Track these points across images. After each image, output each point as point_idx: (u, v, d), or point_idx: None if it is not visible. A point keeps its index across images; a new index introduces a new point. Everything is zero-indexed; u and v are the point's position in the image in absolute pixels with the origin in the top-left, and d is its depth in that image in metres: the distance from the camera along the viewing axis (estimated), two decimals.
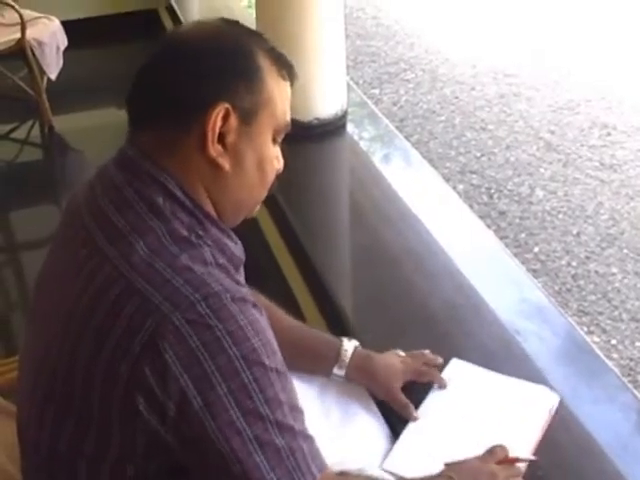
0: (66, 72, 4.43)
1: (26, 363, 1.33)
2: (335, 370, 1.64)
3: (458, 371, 1.74)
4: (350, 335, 1.71)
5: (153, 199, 1.19)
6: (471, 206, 4.01)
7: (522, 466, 1.47)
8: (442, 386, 1.68)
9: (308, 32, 2.81)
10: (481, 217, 3.91)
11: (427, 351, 1.74)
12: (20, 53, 4.18)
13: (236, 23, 1.33)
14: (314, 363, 1.66)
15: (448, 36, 6.04)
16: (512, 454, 1.47)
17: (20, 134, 4.63)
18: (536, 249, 3.72)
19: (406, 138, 4.61)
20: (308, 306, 2.49)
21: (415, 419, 1.60)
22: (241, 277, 1.31)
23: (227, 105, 1.20)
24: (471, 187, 4.26)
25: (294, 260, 2.69)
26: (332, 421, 1.62)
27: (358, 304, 2.36)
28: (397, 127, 4.78)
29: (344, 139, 3.06)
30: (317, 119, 2.94)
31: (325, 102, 2.95)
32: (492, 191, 4.20)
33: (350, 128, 3.10)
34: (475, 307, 2.16)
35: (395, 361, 1.66)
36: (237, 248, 1.30)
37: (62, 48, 4.37)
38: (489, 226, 3.86)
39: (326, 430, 1.56)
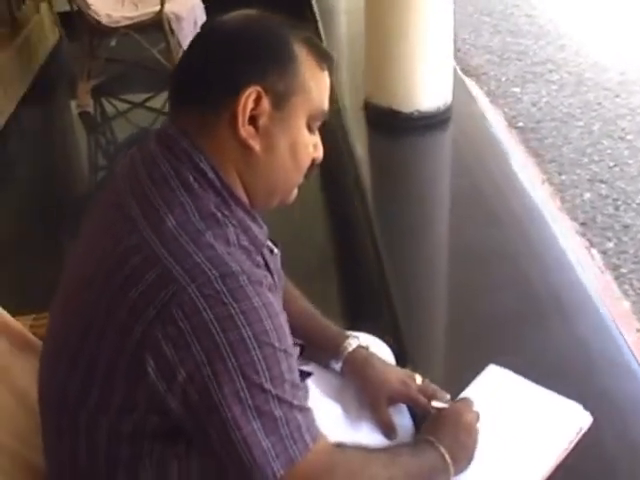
0: None
1: (50, 319, 1.39)
2: (332, 363, 1.63)
3: (493, 377, 1.70)
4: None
5: (186, 176, 1.23)
6: (595, 216, 3.85)
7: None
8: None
9: (413, 24, 2.81)
10: (603, 229, 3.76)
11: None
12: (159, 26, 4.31)
13: (274, 14, 1.35)
14: (314, 351, 1.64)
15: (601, 40, 5.80)
16: (533, 466, 1.47)
17: (155, 103, 4.78)
18: None
19: (539, 140, 4.52)
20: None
21: (394, 439, 1.54)
22: (261, 259, 1.32)
23: (259, 88, 1.22)
24: (598, 197, 4.06)
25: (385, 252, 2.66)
26: (350, 414, 1.59)
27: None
28: (532, 129, 4.68)
29: (446, 134, 3.01)
30: (418, 111, 2.91)
31: (428, 95, 2.91)
32: (619, 203, 3.98)
33: (455, 123, 3.04)
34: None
35: (393, 378, 1.59)
36: (261, 232, 1.33)
37: (200, 23, 4.48)
38: (610, 238, 3.70)
39: (342, 422, 1.57)
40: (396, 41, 2.82)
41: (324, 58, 1.32)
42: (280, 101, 1.25)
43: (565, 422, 1.56)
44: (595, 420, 1.58)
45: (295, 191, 1.38)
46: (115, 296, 1.17)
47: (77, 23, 4.60)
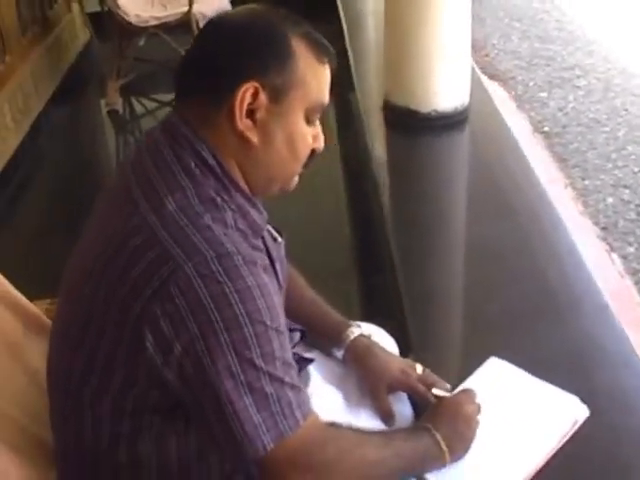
0: None
1: (59, 300, 1.44)
2: (335, 351, 1.66)
3: (493, 369, 1.71)
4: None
5: (187, 162, 1.29)
6: (617, 221, 3.83)
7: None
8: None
9: (431, 24, 2.84)
10: (624, 233, 3.74)
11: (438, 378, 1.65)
12: (187, 26, 4.36)
13: (277, 9, 1.39)
14: (317, 338, 1.69)
15: (630, 46, 5.76)
16: (525, 456, 1.49)
17: None
18: None
19: (564, 145, 4.51)
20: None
21: (392, 426, 1.56)
22: (260, 243, 1.38)
23: (256, 84, 1.27)
24: (621, 202, 4.04)
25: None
26: (351, 401, 1.61)
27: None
28: (557, 134, 4.66)
29: (464, 134, 3.02)
30: (435, 111, 2.93)
31: (445, 95, 2.93)
32: None
33: (473, 123, 3.05)
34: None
35: (394, 367, 1.62)
36: (260, 217, 1.38)
37: None
38: (631, 243, 3.68)
39: (343, 409, 1.59)
40: (414, 41, 2.86)
41: (324, 52, 1.35)
42: (278, 95, 1.30)
43: (561, 414, 1.58)
44: (597, 414, 1.60)
45: (296, 179, 1.42)
46: (118, 274, 1.23)
47: (107, 23, 4.68)
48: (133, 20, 4.42)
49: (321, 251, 3.08)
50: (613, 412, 1.69)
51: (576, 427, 1.55)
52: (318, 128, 1.40)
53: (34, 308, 1.71)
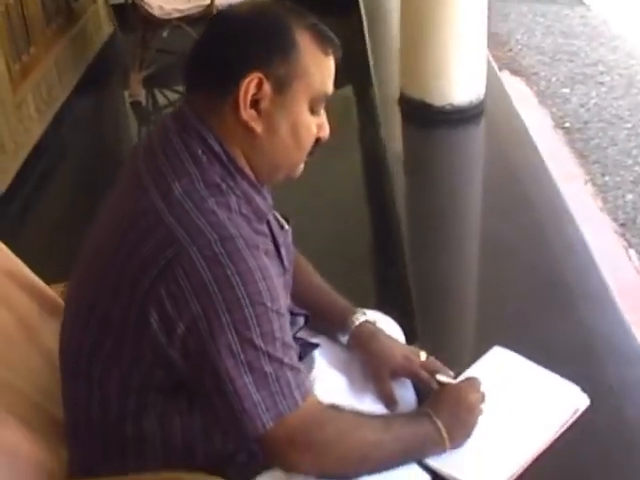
0: None
1: (72, 277, 1.48)
2: (340, 336, 1.68)
3: (497, 358, 1.73)
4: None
5: (194, 149, 1.34)
6: (635, 217, 3.82)
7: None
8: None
9: (447, 17, 2.85)
10: None
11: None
12: (209, 18, 4.38)
13: (282, 2, 1.42)
14: (323, 324, 1.70)
15: None
16: (525, 442, 1.51)
17: None
18: None
19: (585, 141, 4.49)
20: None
21: (394, 410, 1.58)
22: (264, 228, 1.42)
23: (260, 75, 1.31)
24: None
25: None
26: (355, 386, 1.63)
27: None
28: (579, 129, 4.65)
29: (479, 127, 3.03)
30: (451, 105, 2.95)
31: (460, 89, 2.94)
32: None
33: (488, 117, 3.06)
34: None
35: (397, 353, 1.63)
36: (264, 203, 1.42)
37: None
38: None
39: (347, 393, 1.61)
40: (430, 35, 2.88)
41: (328, 44, 1.38)
42: (281, 86, 1.33)
43: (562, 402, 1.59)
44: (597, 404, 1.61)
45: (301, 167, 1.46)
46: (128, 250, 1.28)
47: (130, 15, 4.72)
48: (156, 12, 4.46)
49: (336, 240, 3.09)
50: (614, 403, 1.71)
51: (576, 416, 1.57)
52: (323, 117, 1.43)
53: (50, 291, 1.76)
